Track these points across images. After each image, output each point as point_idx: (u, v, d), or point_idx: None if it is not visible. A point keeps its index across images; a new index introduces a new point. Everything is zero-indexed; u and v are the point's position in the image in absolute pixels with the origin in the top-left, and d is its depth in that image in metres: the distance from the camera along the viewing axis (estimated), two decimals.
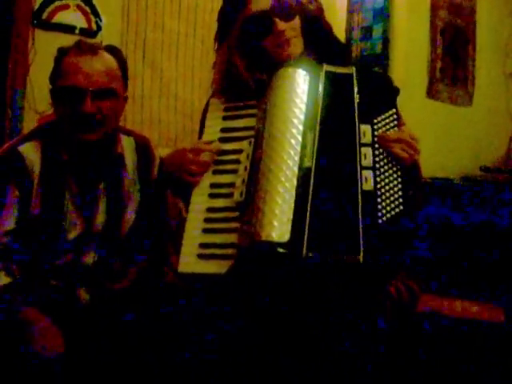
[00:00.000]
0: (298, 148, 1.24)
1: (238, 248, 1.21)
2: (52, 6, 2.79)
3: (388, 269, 1.24)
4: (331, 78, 1.36)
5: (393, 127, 1.33)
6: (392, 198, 1.23)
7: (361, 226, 1.18)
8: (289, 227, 1.15)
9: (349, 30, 3.61)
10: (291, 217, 1.17)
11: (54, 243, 1.56)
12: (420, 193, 1.44)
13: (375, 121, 1.32)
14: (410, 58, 3.35)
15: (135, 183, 1.71)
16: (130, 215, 1.68)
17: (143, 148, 1.77)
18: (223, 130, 1.41)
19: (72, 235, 1.58)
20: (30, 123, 2.61)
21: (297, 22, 1.44)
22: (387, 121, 1.33)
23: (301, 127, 1.27)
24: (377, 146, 1.29)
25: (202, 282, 1.30)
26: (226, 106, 1.45)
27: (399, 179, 1.26)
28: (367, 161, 1.26)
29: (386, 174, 1.26)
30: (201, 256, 1.25)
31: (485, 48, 3.68)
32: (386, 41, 3.38)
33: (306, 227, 1.16)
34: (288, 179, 1.20)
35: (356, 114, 1.31)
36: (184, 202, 1.39)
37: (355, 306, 1.30)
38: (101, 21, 2.91)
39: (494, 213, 2.62)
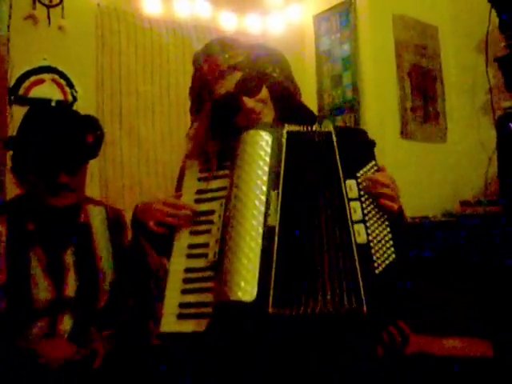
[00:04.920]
0: (262, 208, 1.27)
1: (212, 307, 1.24)
2: (27, 82, 2.86)
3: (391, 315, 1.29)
4: (293, 138, 1.39)
5: None
6: (384, 248, 1.27)
7: (360, 277, 1.21)
8: (255, 286, 1.18)
9: (319, 79, 3.72)
10: (257, 275, 1.19)
11: (24, 308, 1.58)
12: (408, 236, 1.47)
13: (358, 174, 1.36)
14: (380, 101, 3.44)
15: (108, 252, 1.76)
16: (107, 286, 1.72)
17: (115, 217, 1.84)
18: (198, 192, 1.44)
19: (43, 300, 1.60)
20: (13, 193, 2.62)
21: (264, 92, 1.50)
22: (369, 173, 1.37)
23: (264, 188, 1.30)
24: (363, 198, 1.33)
25: (181, 342, 1.32)
26: (200, 168, 1.48)
27: (388, 228, 1.30)
28: (356, 215, 1.29)
29: (376, 224, 1.30)
30: (180, 316, 1.27)
31: (453, 84, 3.79)
32: (355, 87, 3.48)
33: (272, 285, 1.18)
34: (253, 239, 1.23)
35: (340, 170, 1.35)
36: (168, 259, 1.41)
37: (343, 355, 1.31)
38: (76, 92, 2.98)
39: (477, 246, 2.64)
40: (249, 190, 1.30)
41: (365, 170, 1.37)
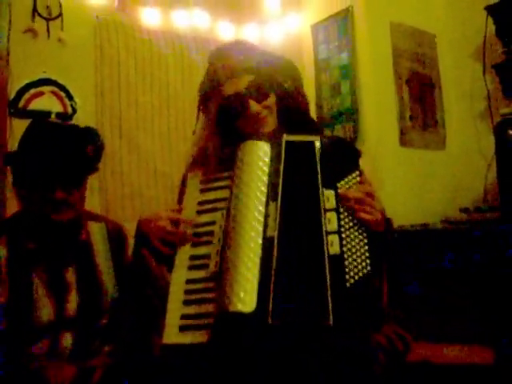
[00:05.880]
0: (261, 219, 1.29)
1: (213, 318, 1.24)
2: (27, 95, 2.87)
3: (363, 328, 1.26)
4: (292, 148, 1.41)
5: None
6: (359, 260, 1.26)
7: (329, 290, 1.20)
8: (254, 297, 1.18)
9: (318, 88, 3.73)
10: (256, 286, 1.20)
11: (26, 328, 1.57)
12: (391, 248, 1.46)
13: (338, 185, 1.36)
14: (379, 109, 3.45)
15: (109, 269, 1.75)
16: (108, 302, 1.71)
17: (115, 233, 1.84)
18: (200, 203, 1.45)
19: (45, 320, 1.59)
20: (13, 209, 2.62)
21: (271, 99, 1.51)
22: (350, 183, 1.37)
23: (264, 198, 1.32)
24: (341, 209, 1.32)
25: (184, 353, 1.32)
26: (202, 179, 1.49)
27: (365, 240, 1.29)
28: (332, 225, 1.29)
29: (352, 236, 1.29)
30: (182, 327, 1.28)
31: (451, 92, 3.79)
32: (354, 95, 3.49)
33: (271, 296, 1.19)
34: (252, 250, 1.24)
35: (319, 180, 1.35)
36: (169, 270, 1.42)
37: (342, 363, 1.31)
38: (76, 103, 2.99)
39: (477, 253, 2.64)
40: (248, 200, 1.31)
41: (346, 180, 1.37)
